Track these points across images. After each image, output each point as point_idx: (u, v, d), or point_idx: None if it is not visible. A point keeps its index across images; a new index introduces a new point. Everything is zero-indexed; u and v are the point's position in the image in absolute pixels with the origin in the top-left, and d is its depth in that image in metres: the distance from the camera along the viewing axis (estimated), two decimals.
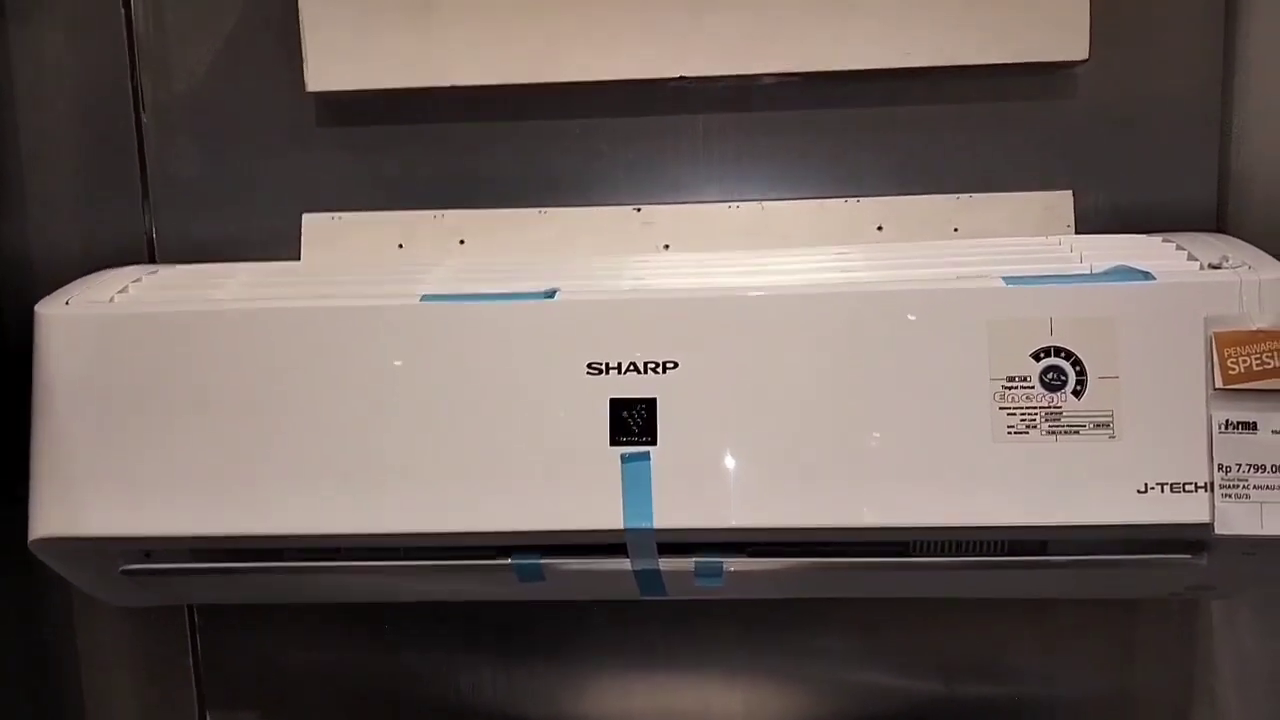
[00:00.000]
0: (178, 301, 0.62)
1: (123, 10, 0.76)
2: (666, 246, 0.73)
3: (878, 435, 0.55)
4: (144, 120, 0.77)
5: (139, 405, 0.59)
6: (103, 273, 0.67)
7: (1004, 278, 0.56)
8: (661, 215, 0.73)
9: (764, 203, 0.73)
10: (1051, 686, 0.78)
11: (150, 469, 0.59)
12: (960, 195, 0.71)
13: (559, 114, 0.75)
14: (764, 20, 0.69)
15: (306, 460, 0.58)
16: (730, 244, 0.73)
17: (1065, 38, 0.68)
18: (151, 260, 0.78)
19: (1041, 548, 0.58)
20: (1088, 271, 0.57)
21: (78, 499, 0.59)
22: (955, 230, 0.71)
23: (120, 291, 0.63)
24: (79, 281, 0.65)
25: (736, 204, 0.73)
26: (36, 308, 0.62)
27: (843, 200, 0.72)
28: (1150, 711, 0.77)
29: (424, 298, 0.59)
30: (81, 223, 0.78)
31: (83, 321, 0.61)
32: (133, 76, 0.77)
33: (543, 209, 0.74)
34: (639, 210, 0.74)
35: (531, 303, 0.58)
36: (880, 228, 0.71)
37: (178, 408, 0.59)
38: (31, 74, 0.77)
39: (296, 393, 0.58)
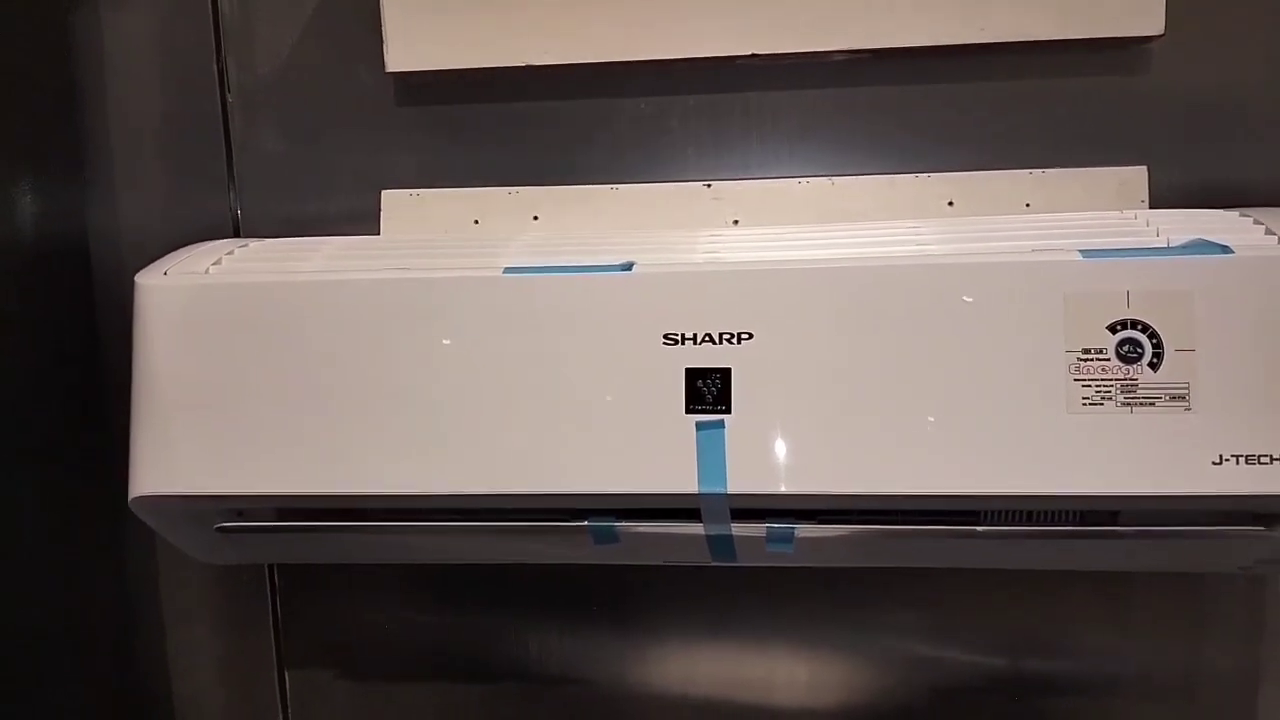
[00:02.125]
0: (270, 272, 0.64)
1: None
2: (736, 222, 0.74)
3: (952, 405, 0.56)
4: (229, 101, 0.80)
5: (233, 370, 0.62)
6: (197, 245, 0.69)
7: (1080, 251, 0.56)
8: (731, 191, 0.74)
9: (833, 178, 0.74)
10: (1117, 663, 0.78)
11: (244, 431, 0.61)
12: (1033, 171, 0.71)
13: (630, 92, 0.76)
14: None
15: (392, 424, 0.60)
16: (799, 219, 0.73)
17: (1140, 13, 0.67)
18: (236, 234, 0.81)
19: (1112, 519, 0.58)
20: (1165, 245, 0.57)
21: (175, 459, 0.62)
22: (1027, 206, 0.71)
23: (215, 263, 0.65)
24: (175, 253, 0.68)
25: (806, 180, 0.74)
26: (136, 278, 0.64)
27: (913, 176, 0.72)
28: (1216, 688, 0.77)
29: (506, 270, 0.61)
30: (169, 200, 0.81)
31: (180, 291, 0.63)
32: (218, 58, 0.80)
33: (614, 185, 0.75)
34: (709, 186, 0.75)
35: (609, 275, 0.60)
36: (951, 203, 0.72)
37: (270, 373, 0.61)
38: (121, 56, 0.80)
39: (383, 359, 0.60)
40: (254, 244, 0.70)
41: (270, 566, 0.85)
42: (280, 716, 0.86)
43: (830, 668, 0.81)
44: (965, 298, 0.56)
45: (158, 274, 0.64)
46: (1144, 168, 0.70)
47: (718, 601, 0.81)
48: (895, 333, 0.57)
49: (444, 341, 0.60)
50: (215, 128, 0.80)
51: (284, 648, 0.86)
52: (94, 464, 0.80)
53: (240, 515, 0.65)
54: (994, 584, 0.78)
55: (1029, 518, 0.58)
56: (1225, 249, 0.55)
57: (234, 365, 0.62)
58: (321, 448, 0.60)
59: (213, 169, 0.80)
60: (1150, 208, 0.70)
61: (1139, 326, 0.55)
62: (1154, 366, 0.54)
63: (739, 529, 0.60)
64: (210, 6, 0.79)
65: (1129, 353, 0.55)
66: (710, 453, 0.57)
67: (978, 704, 0.80)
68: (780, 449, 0.57)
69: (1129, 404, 0.54)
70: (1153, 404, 0.54)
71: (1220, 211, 0.64)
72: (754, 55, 0.71)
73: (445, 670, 0.85)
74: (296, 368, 0.61)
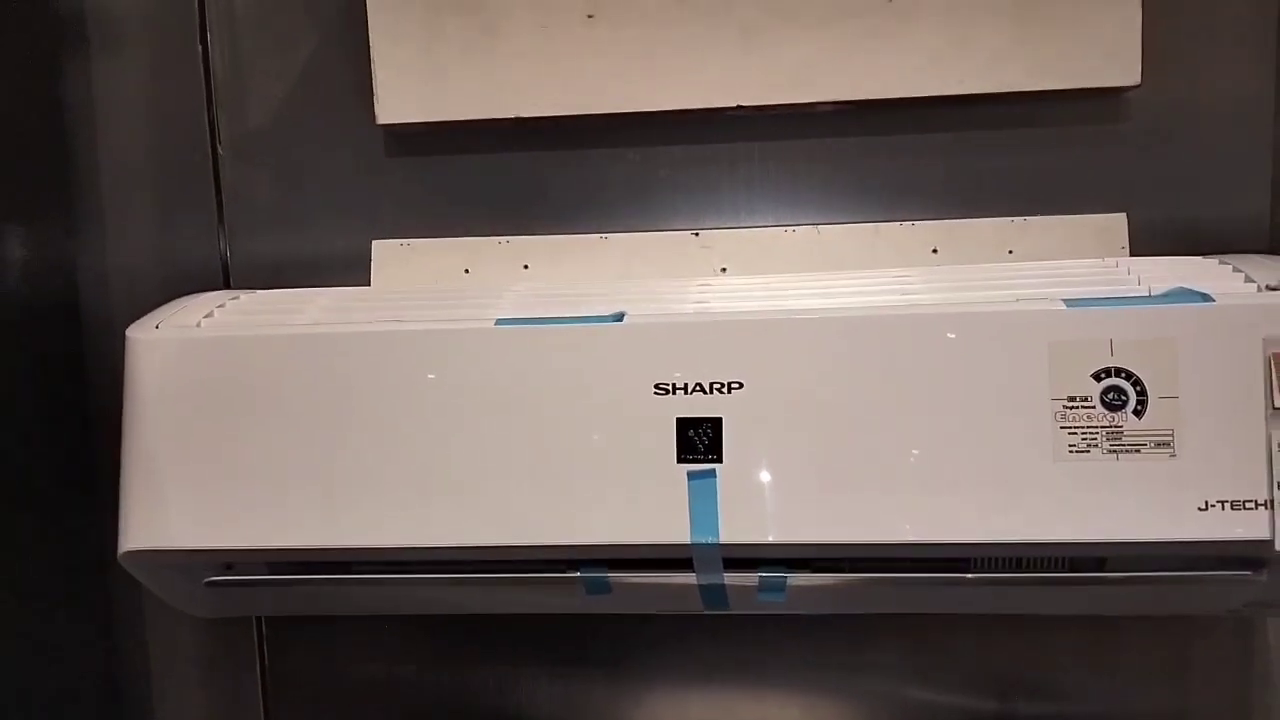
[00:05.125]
0: (261, 326, 0.64)
1: (200, 48, 0.80)
2: (724, 270, 0.75)
3: (941, 454, 0.56)
4: (220, 153, 0.81)
5: (225, 424, 0.62)
6: (188, 298, 0.70)
7: (1064, 300, 0.57)
8: (719, 239, 0.75)
9: (819, 226, 0.75)
10: (1106, 704, 0.78)
11: (235, 485, 0.61)
12: (1015, 219, 0.72)
13: (619, 142, 0.77)
14: (819, 50, 0.71)
15: (384, 477, 0.60)
16: (786, 267, 0.74)
17: (1117, 64, 0.69)
18: (226, 286, 0.81)
19: (1100, 565, 0.59)
20: (1146, 294, 0.58)
21: (165, 513, 0.62)
22: (1010, 253, 0.72)
23: (206, 316, 0.66)
24: (166, 306, 0.68)
25: (792, 228, 0.75)
26: (128, 332, 0.64)
27: (898, 224, 0.74)
28: None
29: (498, 321, 0.61)
30: (160, 252, 0.82)
31: (172, 344, 0.63)
32: (209, 111, 0.80)
33: (604, 234, 0.76)
34: (697, 235, 0.76)
35: (601, 325, 0.60)
36: (935, 250, 0.73)
37: (262, 427, 0.61)
38: (115, 108, 0.81)
39: (375, 412, 0.61)
40: (246, 296, 0.70)
41: (257, 618, 0.84)
42: None
43: (821, 712, 0.80)
44: (949, 334, 0.57)
45: (149, 327, 0.65)
46: (1123, 214, 0.72)
47: (708, 647, 0.80)
48: (883, 382, 0.57)
49: (436, 394, 0.60)
50: (206, 180, 0.81)
51: (270, 699, 0.85)
52: (82, 517, 0.80)
53: (229, 568, 0.65)
54: (983, 626, 0.78)
55: (1018, 564, 0.59)
56: (1206, 297, 0.56)
57: (226, 419, 0.62)
58: (313, 501, 0.60)
59: (204, 220, 0.81)
60: (1130, 253, 0.71)
61: (1123, 374, 0.55)
62: (1138, 414, 0.55)
63: (731, 578, 0.60)
64: (201, 59, 0.80)
65: (1114, 400, 0.55)
66: (702, 503, 0.58)
67: None
68: (771, 499, 0.57)
69: (1115, 451, 0.55)
70: (1138, 451, 0.55)
71: (1199, 259, 0.65)
72: (740, 107, 0.72)
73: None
74: (288, 421, 0.61)
